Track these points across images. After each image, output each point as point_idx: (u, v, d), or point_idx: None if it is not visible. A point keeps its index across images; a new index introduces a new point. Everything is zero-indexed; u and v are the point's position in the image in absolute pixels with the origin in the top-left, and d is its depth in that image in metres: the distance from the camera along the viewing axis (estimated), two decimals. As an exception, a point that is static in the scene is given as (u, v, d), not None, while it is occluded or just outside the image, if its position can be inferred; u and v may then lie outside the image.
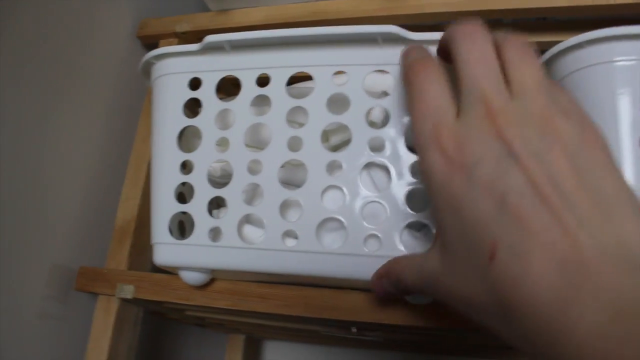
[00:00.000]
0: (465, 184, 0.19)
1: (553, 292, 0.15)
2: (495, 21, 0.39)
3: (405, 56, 0.26)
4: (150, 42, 0.48)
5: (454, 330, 0.34)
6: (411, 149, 0.29)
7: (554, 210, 0.17)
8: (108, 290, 0.40)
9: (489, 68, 0.21)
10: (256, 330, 0.62)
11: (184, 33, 0.45)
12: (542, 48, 0.41)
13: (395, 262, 0.27)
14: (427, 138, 0.21)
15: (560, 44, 0.31)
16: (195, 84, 0.34)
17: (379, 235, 0.29)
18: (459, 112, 0.21)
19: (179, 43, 0.45)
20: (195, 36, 0.45)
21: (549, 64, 0.32)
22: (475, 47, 0.21)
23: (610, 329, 0.14)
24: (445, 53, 0.24)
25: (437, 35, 0.27)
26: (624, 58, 0.29)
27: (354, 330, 0.39)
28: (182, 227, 0.37)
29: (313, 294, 0.34)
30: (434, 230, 0.28)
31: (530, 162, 0.18)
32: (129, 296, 0.39)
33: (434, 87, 0.22)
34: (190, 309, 0.43)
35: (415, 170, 0.29)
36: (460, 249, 0.20)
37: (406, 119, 0.29)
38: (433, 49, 0.26)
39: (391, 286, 0.27)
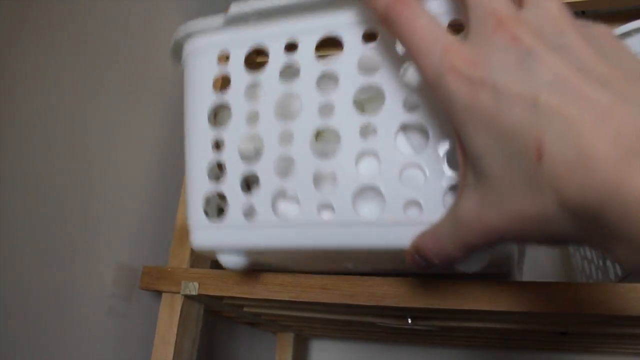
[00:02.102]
0: (492, 97, 0.18)
1: (612, 161, 0.15)
2: None
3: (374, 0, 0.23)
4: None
5: (507, 313, 0.33)
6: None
7: (590, 93, 0.17)
8: (173, 287, 0.41)
9: None
10: (306, 327, 0.62)
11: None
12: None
13: (421, 236, 0.24)
14: (438, 68, 0.20)
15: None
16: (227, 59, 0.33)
17: (420, 200, 0.27)
18: (467, 33, 0.20)
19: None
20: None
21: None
22: None
23: None
24: None
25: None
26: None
27: (408, 320, 0.39)
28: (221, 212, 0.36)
29: (374, 283, 0.35)
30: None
31: (553, 58, 0.18)
32: (194, 292, 0.40)
33: (424, 20, 0.21)
34: (249, 304, 0.44)
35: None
36: (500, 168, 0.19)
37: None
38: None
39: (424, 262, 0.25)
